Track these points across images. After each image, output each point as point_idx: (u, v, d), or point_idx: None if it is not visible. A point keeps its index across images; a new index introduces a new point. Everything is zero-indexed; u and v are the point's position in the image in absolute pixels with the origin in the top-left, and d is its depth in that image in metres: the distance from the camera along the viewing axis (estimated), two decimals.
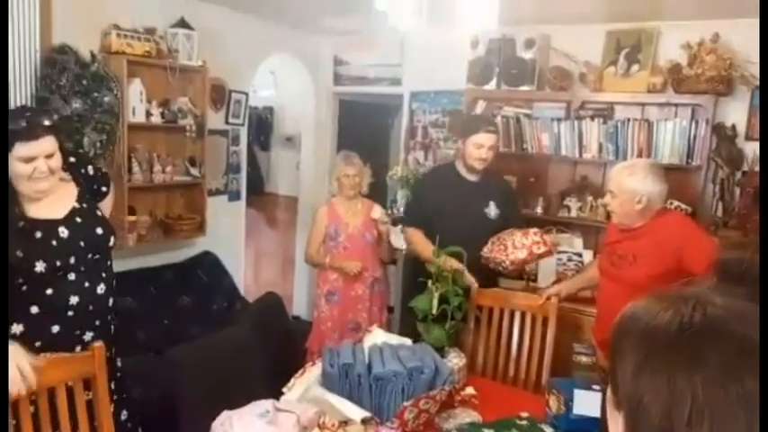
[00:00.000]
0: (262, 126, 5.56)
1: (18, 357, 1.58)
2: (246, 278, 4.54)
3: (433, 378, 1.81)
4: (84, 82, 2.84)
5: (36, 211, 1.82)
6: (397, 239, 4.07)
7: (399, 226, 4.08)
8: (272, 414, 1.60)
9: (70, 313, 1.84)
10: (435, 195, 2.89)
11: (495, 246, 2.65)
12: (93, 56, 2.95)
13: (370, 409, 1.74)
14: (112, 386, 1.92)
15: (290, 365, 2.40)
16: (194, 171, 3.56)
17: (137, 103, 3.15)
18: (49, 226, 1.82)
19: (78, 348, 1.83)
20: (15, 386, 1.55)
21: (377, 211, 3.19)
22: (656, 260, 2.24)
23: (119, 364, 2.03)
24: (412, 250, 2.96)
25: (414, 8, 1.90)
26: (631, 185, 2.28)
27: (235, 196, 4.24)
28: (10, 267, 1.72)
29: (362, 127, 5.07)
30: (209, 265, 3.85)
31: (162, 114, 3.33)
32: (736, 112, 3.20)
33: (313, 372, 1.92)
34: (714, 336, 0.62)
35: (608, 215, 3.21)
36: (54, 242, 1.81)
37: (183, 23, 3.38)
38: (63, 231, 1.84)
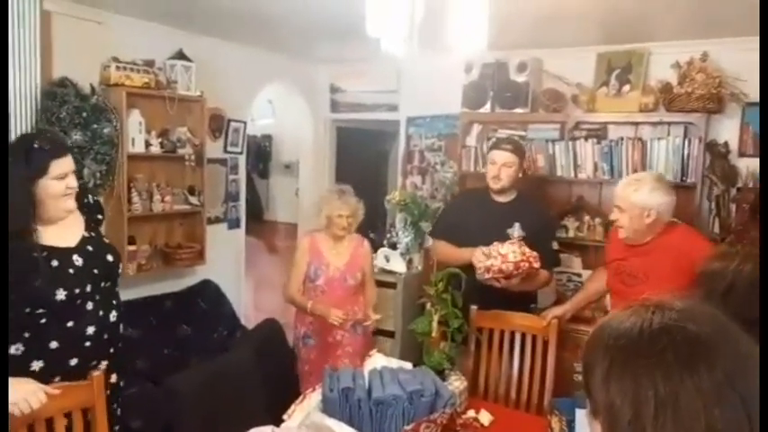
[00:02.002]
0: (260, 154, 5.62)
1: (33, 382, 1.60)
2: (247, 306, 4.53)
3: (433, 401, 1.79)
4: (84, 114, 2.88)
5: (48, 239, 1.82)
6: (399, 264, 4.08)
7: (399, 250, 4.12)
8: None
9: (87, 344, 1.84)
10: (462, 213, 2.89)
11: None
12: (92, 88, 3.00)
13: None
14: (118, 412, 1.93)
15: (289, 392, 2.39)
16: (193, 200, 3.58)
17: (136, 133, 3.19)
18: (64, 254, 1.83)
19: None
20: (34, 398, 1.55)
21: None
22: (669, 276, 2.16)
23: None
24: (440, 262, 2.79)
25: (406, 34, 1.93)
26: (639, 200, 2.28)
27: (234, 224, 4.26)
28: (27, 298, 1.71)
29: (360, 153, 5.12)
30: (209, 293, 3.84)
31: (161, 144, 3.37)
32: (728, 130, 3.24)
33: (313, 398, 1.90)
34: (670, 335, 0.66)
35: (606, 234, 3.22)
36: (71, 270, 1.82)
37: (181, 55, 3.44)
38: (77, 260, 1.85)
